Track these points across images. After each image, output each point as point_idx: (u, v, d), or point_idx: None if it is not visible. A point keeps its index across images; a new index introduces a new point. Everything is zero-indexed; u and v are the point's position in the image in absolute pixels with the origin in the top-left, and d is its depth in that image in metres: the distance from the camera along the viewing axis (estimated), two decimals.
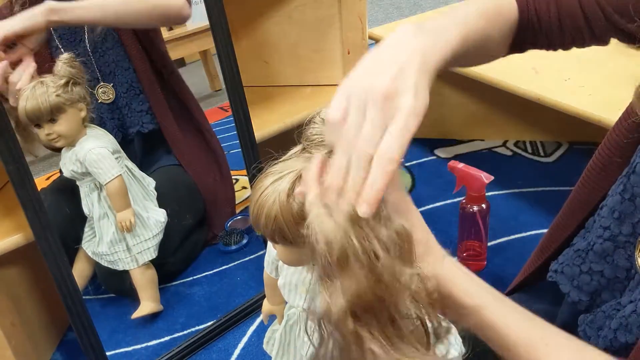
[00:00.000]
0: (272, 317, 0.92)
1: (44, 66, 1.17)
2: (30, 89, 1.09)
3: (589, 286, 0.62)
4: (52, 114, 1.12)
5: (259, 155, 1.28)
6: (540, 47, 0.66)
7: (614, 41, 0.61)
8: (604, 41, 0.62)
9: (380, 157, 0.42)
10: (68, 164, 1.20)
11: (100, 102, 1.30)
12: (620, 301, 0.58)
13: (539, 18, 0.62)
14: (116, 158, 1.23)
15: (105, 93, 1.30)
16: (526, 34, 0.63)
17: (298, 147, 0.58)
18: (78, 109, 1.17)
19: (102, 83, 1.29)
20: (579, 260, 0.63)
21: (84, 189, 1.24)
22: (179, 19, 1.19)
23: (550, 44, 0.65)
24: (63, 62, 1.14)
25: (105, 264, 1.29)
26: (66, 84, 1.13)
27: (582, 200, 0.64)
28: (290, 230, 0.54)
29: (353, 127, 0.44)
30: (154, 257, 1.30)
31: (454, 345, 0.71)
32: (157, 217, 1.31)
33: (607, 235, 0.60)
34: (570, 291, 0.64)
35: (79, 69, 1.16)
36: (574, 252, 0.64)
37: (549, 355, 0.46)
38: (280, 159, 0.58)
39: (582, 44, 0.64)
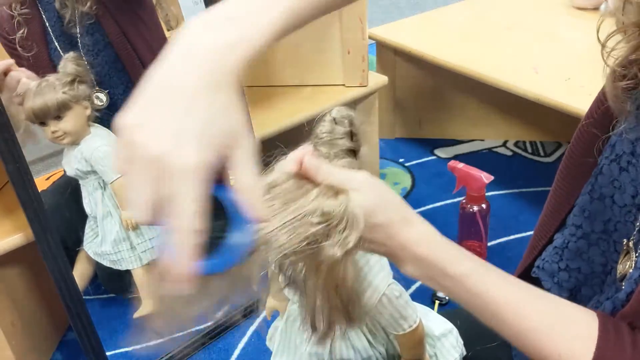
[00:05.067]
0: (275, 315, 0.92)
1: (44, 68, 1.17)
2: (37, 87, 1.10)
3: (568, 283, 0.63)
4: (59, 110, 1.13)
5: (259, 155, 1.28)
6: None
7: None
8: None
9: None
10: (73, 162, 1.21)
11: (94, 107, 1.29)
12: (599, 299, 0.59)
13: None
14: None
15: (99, 98, 1.30)
16: None
17: (306, 144, 0.58)
18: (83, 107, 1.18)
19: (95, 88, 1.29)
20: (557, 258, 0.64)
21: (87, 188, 1.24)
22: None
23: None
24: (69, 60, 1.15)
25: (108, 264, 1.29)
26: (72, 81, 1.15)
27: (561, 198, 0.65)
28: None
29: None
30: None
31: (455, 347, 0.72)
32: None
33: (580, 234, 0.61)
34: (551, 287, 0.65)
35: (85, 68, 1.17)
36: (553, 248, 0.65)
37: (529, 317, 0.48)
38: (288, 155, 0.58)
39: None
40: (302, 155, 0.48)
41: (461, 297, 0.50)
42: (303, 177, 0.47)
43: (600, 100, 0.59)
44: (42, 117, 1.13)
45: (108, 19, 1.24)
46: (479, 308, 0.49)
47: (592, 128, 0.60)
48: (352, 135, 0.57)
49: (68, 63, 1.15)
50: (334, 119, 0.57)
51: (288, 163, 0.48)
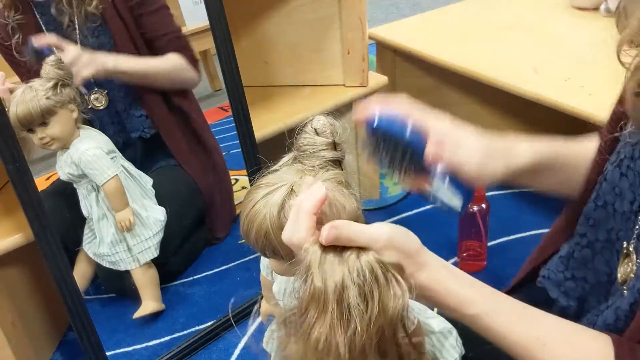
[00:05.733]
0: (270, 317, 0.92)
1: (40, 70, 1.17)
2: (20, 94, 1.09)
3: (575, 292, 0.63)
4: (43, 117, 1.12)
5: (259, 155, 1.28)
6: None
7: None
8: None
9: None
10: (64, 167, 1.20)
11: (92, 107, 1.29)
12: (600, 307, 0.59)
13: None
14: (111, 158, 1.23)
15: (98, 99, 1.29)
16: None
17: (289, 156, 0.57)
18: (69, 110, 1.16)
19: (95, 89, 1.28)
20: (562, 267, 0.64)
21: (81, 191, 1.24)
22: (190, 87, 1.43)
23: None
24: (50, 64, 1.13)
25: (107, 265, 1.29)
26: (55, 86, 1.13)
27: (574, 208, 0.64)
28: (281, 245, 0.53)
29: None
30: (155, 256, 1.30)
31: (454, 347, 0.71)
32: (157, 215, 1.31)
33: (585, 243, 0.60)
34: (558, 297, 0.64)
35: (67, 70, 1.15)
36: (558, 258, 0.65)
37: (545, 354, 0.48)
38: (272, 169, 0.57)
39: None
40: (311, 214, 0.47)
41: (477, 331, 0.50)
42: (328, 247, 0.46)
43: (615, 106, 0.59)
44: (27, 125, 1.11)
45: (116, 21, 1.24)
46: (496, 342, 0.50)
47: (603, 132, 0.60)
48: (335, 145, 0.56)
49: (49, 67, 1.13)
50: (315, 130, 0.56)
51: (303, 235, 0.47)
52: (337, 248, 0.46)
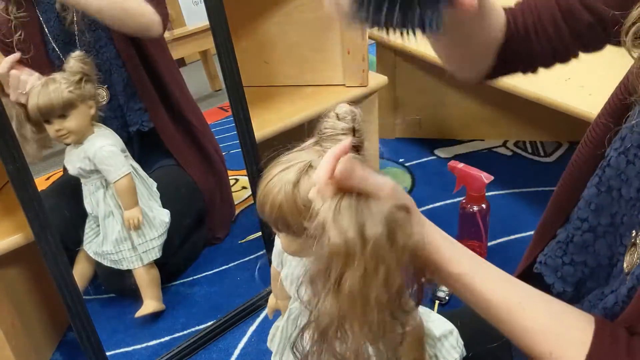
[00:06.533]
0: (276, 314, 0.92)
1: (42, 69, 1.17)
2: (42, 85, 1.11)
3: (573, 277, 0.63)
4: (64, 109, 1.13)
5: (259, 155, 1.28)
6: (523, 66, 0.70)
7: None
8: (585, 46, 0.64)
9: None
10: (75, 161, 1.21)
11: None
12: (603, 290, 0.59)
13: (517, 25, 0.65)
14: (125, 156, 1.24)
15: (99, 95, 1.30)
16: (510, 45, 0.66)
17: (312, 140, 0.59)
18: (88, 106, 1.18)
19: (95, 85, 1.29)
20: (560, 252, 0.64)
21: (88, 187, 1.24)
22: (148, 34, 1.25)
23: (532, 57, 0.67)
24: (76, 59, 1.15)
25: (109, 264, 1.29)
26: (79, 80, 1.15)
27: (567, 194, 0.65)
28: (293, 219, 0.56)
29: None
30: (158, 257, 1.31)
31: (455, 348, 0.72)
32: (162, 217, 1.31)
33: (586, 227, 0.61)
34: (554, 282, 0.65)
35: (90, 66, 1.17)
36: (556, 243, 0.65)
37: (526, 317, 0.49)
38: (293, 150, 0.59)
39: (564, 53, 0.65)
40: (336, 158, 0.47)
41: (461, 294, 0.51)
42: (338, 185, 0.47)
43: (617, 94, 0.59)
44: (46, 115, 1.13)
45: None
46: (478, 305, 0.51)
47: (606, 119, 0.60)
48: (354, 131, 0.58)
49: (74, 61, 1.14)
50: (337, 115, 0.58)
51: (323, 171, 0.47)
52: (348, 201, 0.46)
